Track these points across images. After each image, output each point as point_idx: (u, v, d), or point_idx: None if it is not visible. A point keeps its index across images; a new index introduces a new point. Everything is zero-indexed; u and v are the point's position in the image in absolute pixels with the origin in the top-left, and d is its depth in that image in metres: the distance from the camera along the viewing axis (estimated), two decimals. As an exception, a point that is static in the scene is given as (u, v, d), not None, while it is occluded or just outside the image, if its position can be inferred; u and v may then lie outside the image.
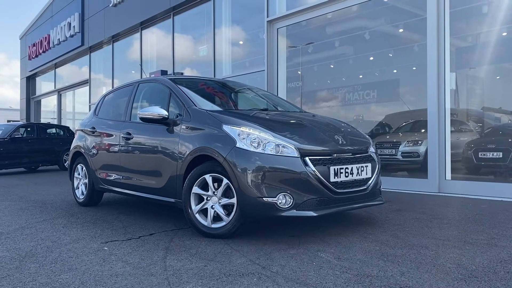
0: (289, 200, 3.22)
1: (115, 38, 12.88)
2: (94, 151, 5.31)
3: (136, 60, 12.10)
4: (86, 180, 5.48)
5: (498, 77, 8.91)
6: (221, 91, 4.99)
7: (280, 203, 3.21)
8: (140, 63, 11.54)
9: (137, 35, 11.64)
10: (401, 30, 9.01)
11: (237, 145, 3.37)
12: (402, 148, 7.51)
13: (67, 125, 16.83)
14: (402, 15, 7.66)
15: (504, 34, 7.97)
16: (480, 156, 6.45)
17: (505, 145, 6.40)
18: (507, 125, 6.93)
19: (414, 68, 7.56)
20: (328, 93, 10.02)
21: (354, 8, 6.80)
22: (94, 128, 5.40)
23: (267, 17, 7.52)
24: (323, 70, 10.90)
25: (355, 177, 3.54)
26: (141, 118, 4.17)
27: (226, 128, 3.51)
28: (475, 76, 8.02)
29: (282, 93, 7.90)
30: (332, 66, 10.90)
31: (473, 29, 8.36)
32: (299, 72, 10.20)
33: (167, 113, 4.05)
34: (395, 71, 10.25)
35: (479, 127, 7.68)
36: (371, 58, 10.59)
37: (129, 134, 4.59)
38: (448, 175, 5.47)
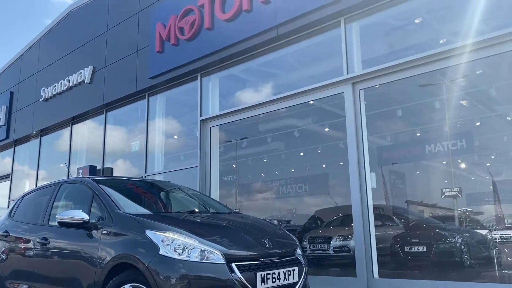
0: (215, 311, 3.06)
1: (43, 132, 12.55)
2: (4, 256, 4.84)
3: (65, 152, 11.73)
4: (-8, 291, 4.90)
5: (417, 173, 9.60)
6: (149, 192, 4.88)
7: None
8: (65, 162, 11.18)
9: (67, 129, 11.43)
10: (327, 129, 9.63)
11: (161, 251, 3.22)
12: (333, 242, 7.59)
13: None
14: (327, 115, 8.20)
15: (418, 134, 8.76)
16: (406, 250, 6.65)
17: (428, 239, 6.68)
18: (428, 220, 7.32)
19: (341, 163, 7.95)
20: (262, 186, 10.17)
21: (283, 109, 7.24)
22: (7, 232, 4.97)
23: (200, 116, 7.75)
24: (257, 164, 11.16)
25: (282, 282, 3.47)
26: (60, 223, 3.93)
27: (150, 233, 3.37)
28: (397, 171, 8.57)
29: (215, 188, 7.92)
30: (265, 160, 11.21)
31: (391, 129, 9.11)
32: (234, 166, 10.36)
33: (88, 217, 3.84)
34: (324, 165, 10.74)
35: (404, 220, 8.03)
36: (301, 154, 11.08)
37: (46, 239, 4.26)
38: (376, 273, 5.53)
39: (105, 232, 3.67)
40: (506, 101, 7.80)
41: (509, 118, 8.01)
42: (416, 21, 6.05)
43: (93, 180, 4.39)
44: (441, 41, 5.90)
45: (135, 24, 9.02)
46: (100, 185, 4.23)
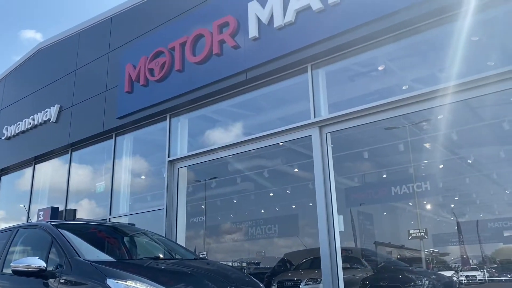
0: None
1: (4, 171, 12.10)
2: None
3: (26, 192, 11.27)
4: None
5: (385, 214, 9.73)
6: (112, 237, 4.71)
7: None
8: (24, 205, 10.73)
9: (30, 168, 11.05)
10: (296, 170, 9.69)
11: (121, 302, 3.08)
12: (302, 286, 7.48)
13: None
14: (297, 156, 8.27)
15: (384, 176, 8.93)
16: (375, 293, 6.62)
17: (396, 282, 6.68)
18: (396, 262, 7.35)
19: (311, 204, 7.95)
20: (231, 227, 10.03)
21: (253, 150, 7.26)
22: (-44, 280, 4.65)
23: (168, 157, 7.66)
24: (226, 205, 11.04)
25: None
26: (14, 271, 3.71)
27: (110, 282, 3.23)
28: (365, 212, 8.65)
29: (182, 230, 7.72)
30: (235, 201, 11.12)
31: (359, 171, 9.28)
32: (203, 207, 10.20)
33: (45, 265, 3.65)
34: (293, 206, 10.73)
35: (372, 263, 8.04)
36: (271, 194, 11.07)
37: (-2, 289, 4.01)
38: (346, 318, 5.44)
39: (63, 281, 3.49)
40: (466, 145, 8.12)
41: (470, 161, 8.33)
42: (380, 68, 6.29)
43: (52, 224, 4.21)
44: (403, 87, 6.14)
45: (105, 64, 9.01)
46: (59, 229, 4.06)
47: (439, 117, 6.61)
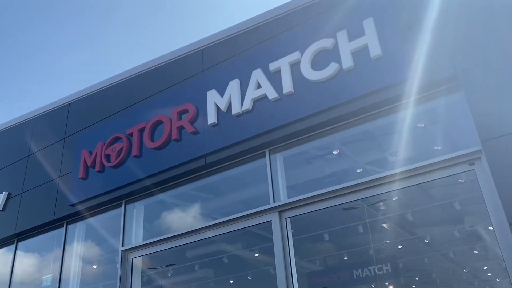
0: None
1: None
2: None
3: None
4: None
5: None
6: None
7: None
8: None
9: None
10: (257, 254, 9.46)
11: None
12: None
13: None
14: (257, 240, 8.12)
15: (346, 258, 8.86)
16: None
17: None
18: None
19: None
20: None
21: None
22: None
23: (122, 246, 7.31)
24: (185, 295, 10.47)
25: None
26: None
27: None
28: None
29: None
30: (193, 290, 10.58)
31: (320, 254, 9.16)
32: (159, 295, 9.61)
33: None
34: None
35: None
36: (231, 281, 10.64)
37: None
38: None
39: None
40: (422, 225, 8.30)
41: (427, 241, 8.46)
42: (334, 152, 6.52)
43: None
44: (358, 170, 6.35)
45: (60, 149, 8.82)
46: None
47: (394, 199, 6.79)
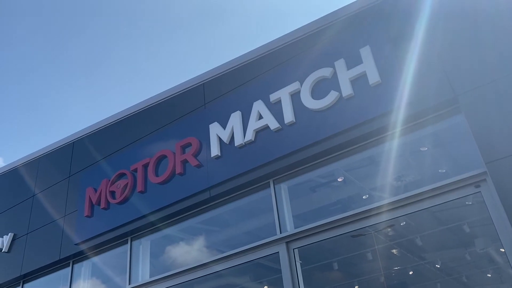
0: None
1: None
2: None
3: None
4: None
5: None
6: None
7: None
8: None
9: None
10: (266, 287, 9.27)
11: None
12: None
13: None
14: (266, 271, 7.98)
15: (356, 287, 8.69)
16: None
17: None
18: None
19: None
20: None
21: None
22: None
23: (129, 284, 7.19)
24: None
25: None
26: None
27: None
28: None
29: None
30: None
31: (330, 283, 8.97)
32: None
33: None
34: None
35: None
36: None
37: None
38: None
39: None
40: (432, 249, 8.18)
41: (438, 266, 8.31)
42: (339, 179, 6.49)
43: None
44: (363, 197, 6.32)
45: (65, 188, 8.82)
46: None
47: (402, 224, 6.72)
